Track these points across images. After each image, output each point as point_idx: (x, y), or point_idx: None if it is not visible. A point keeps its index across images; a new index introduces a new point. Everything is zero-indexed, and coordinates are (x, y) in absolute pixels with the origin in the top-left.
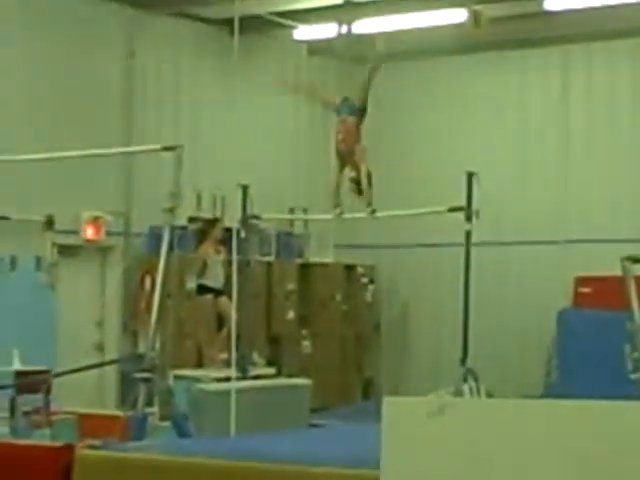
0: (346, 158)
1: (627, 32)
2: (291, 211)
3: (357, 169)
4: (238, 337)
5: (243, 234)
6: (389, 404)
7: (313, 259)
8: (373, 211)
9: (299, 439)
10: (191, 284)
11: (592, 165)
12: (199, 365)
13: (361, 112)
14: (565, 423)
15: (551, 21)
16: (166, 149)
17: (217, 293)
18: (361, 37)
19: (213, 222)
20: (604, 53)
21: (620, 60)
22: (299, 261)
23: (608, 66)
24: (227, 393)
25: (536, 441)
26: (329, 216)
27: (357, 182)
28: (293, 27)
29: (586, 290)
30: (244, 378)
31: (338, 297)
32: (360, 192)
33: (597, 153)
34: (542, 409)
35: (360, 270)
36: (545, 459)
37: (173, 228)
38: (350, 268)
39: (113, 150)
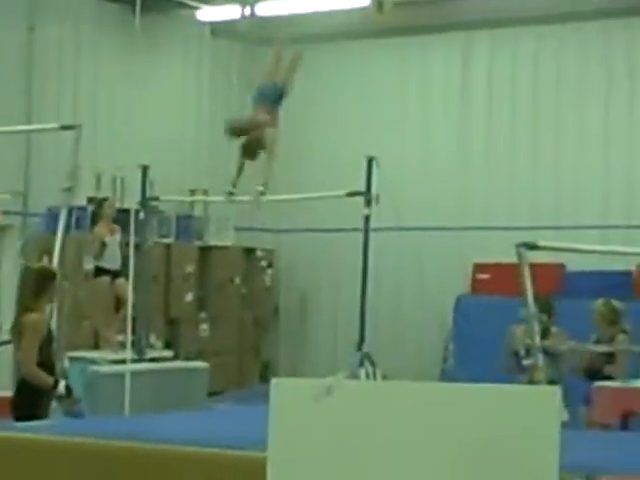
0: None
1: (529, 20)
2: (192, 193)
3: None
4: (135, 319)
5: (142, 215)
6: (277, 385)
7: (213, 242)
8: (262, 193)
9: (191, 420)
10: (88, 265)
11: (492, 152)
12: (96, 347)
13: (280, 96)
14: (452, 406)
15: (454, 7)
16: (64, 128)
17: (114, 275)
18: (265, 19)
19: (102, 202)
20: (506, 40)
21: (522, 47)
22: (198, 244)
23: (510, 53)
24: (122, 375)
25: (421, 423)
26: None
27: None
28: (197, 7)
29: (484, 277)
30: (141, 360)
31: (237, 280)
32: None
33: (497, 140)
34: (428, 391)
35: (259, 254)
36: (431, 441)
37: (71, 208)
38: (249, 251)
39: (10, 128)
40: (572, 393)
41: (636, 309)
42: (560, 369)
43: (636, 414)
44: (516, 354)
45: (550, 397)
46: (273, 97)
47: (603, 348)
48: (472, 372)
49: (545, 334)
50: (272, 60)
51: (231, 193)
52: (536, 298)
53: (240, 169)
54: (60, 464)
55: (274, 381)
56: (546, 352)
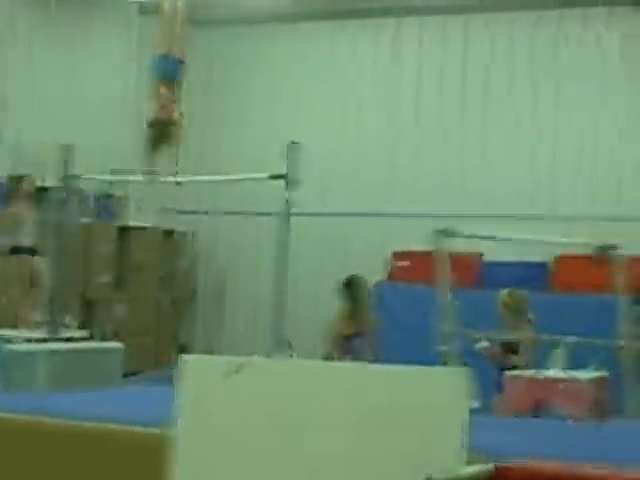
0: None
1: (459, 8)
2: (113, 172)
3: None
4: (51, 298)
5: (62, 194)
6: (186, 362)
7: (132, 222)
8: (176, 172)
9: (99, 398)
10: (4, 242)
11: (420, 137)
12: (13, 326)
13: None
14: (360, 384)
15: None
16: None
17: (31, 252)
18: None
19: (21, 178)
20: (434, 26)
21: (450, 34)
22: (118, 224)
23: (439, 39)
24: (37, 354)
25: (329, 401)
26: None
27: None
28: None
29: (403, 264)
30: (56, 340)
31: (155, 262)
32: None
33: (425, 124)
34: (336, 370)
35: (179, 235)
36: (337, 418)
37: None
38: (169, 233)
39: None
40: (486, 383)
41: (551, 300)
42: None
43: (547, 404)
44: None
45: (457, 377)
46: (173, 72)
47: (505, 336)
48: (387, 357)
49: None
50: (162, 25)
51: (152, 173)
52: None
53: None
54: None
55: (184, 358)
56: None
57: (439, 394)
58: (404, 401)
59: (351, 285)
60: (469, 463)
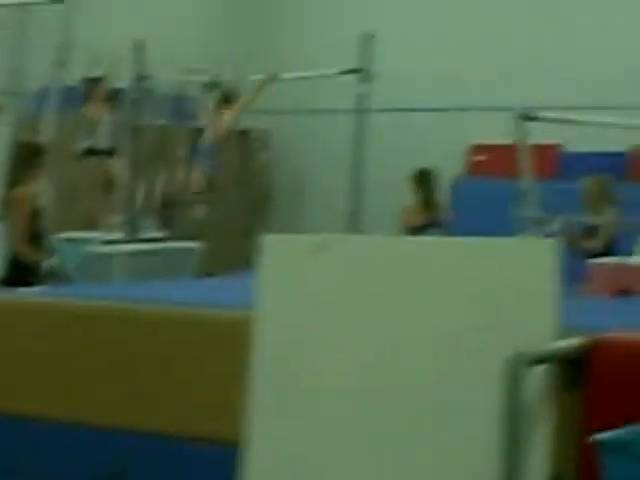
0: None
1: None
2: (189, 72)
3: None
4: (129, 200)
5: (135, 95)
6: (268, 241)
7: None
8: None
9: (178, 287)
10: (82, 145)
11: (489, 26)
12: (90, 228)
13: None
14: (449, 259)
15: None
16: (54, 1)
17: (107, 154)
18: None
19: (96, 80)
20: None
21: None
22: (194, 125)
23: None
24: (115, 255)
25: (421, 275)
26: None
27: None
28: None
29: (481, 158)
30: (134, 241)
31: (230, 163)
32: None
33: (493, 14)
34: (424, 246)
35: (254, 135)
36: (432, 293)
37: (63, 87)
38: (244, 132)
39: None
40: (568, 272)
41: (631, 190)
42: None
43: (632, 292)
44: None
45: (548, 249)
46: None
47: (585, 219)
48: None
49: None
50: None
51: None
52: None
53: None
54: (38, 323)
55: (266, 237)
56: None
57: (531, 266)
58: (496, 273)
59: (421, 177)
60: (562, 338)
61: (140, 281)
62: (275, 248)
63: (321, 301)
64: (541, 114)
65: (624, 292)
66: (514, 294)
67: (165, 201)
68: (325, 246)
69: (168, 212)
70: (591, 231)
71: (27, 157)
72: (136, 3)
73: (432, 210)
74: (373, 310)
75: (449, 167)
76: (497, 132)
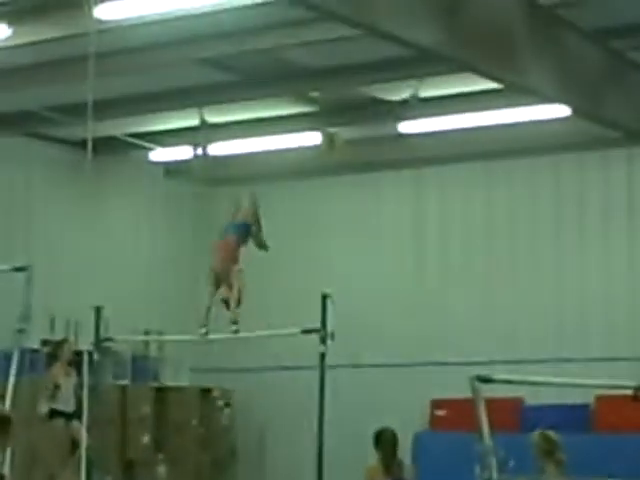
0: (222, 278)
1: (480, 155)
2: (146, 333)
3: (230, 288)
4: (91, 462)
5: (96, 357)
6: None
7: (168, 382)
8: (236, 331)
9: None
10: (42, 408)
11: (446, 288)
12: None
13: (246, 231)
14: None
15: (405, 143)
16: (16, 269)
17: (69, 417)
18: (217, 159)
19: (61, 343)
20: (456, 175)
21: (473, 182)
22: (154, 385)
23: (461, 188)
24: None
25: None
26: (187, 337)
27: (227, 302)
28: (149, 149)
29: (441, 413)
30: None
31: (194, 421)
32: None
33: (452, 276)
34: None
35: (216, 393)
36: None
37: (24, 351)
38: (206, 391)
39: None
40: None
41: (595, 441)
42: None
43: None
44: None
45: None
46: (243, 232)
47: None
48: None
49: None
50: (235, 204)
51: (206, 333)
52: None
53: (210, 308)
54: None
55: None
56: None
57: None
58: None
59: (380, 438)
60: None
61: None
62: None
63: None
64: (497, 376)
65: None
66: None
67: (127, 462)
68: None
69: (130, 473)
70: None
71: None
72: (94, 272)
73: (393, 471)
74: None
75: (411, 421)
76: (457, 387)
